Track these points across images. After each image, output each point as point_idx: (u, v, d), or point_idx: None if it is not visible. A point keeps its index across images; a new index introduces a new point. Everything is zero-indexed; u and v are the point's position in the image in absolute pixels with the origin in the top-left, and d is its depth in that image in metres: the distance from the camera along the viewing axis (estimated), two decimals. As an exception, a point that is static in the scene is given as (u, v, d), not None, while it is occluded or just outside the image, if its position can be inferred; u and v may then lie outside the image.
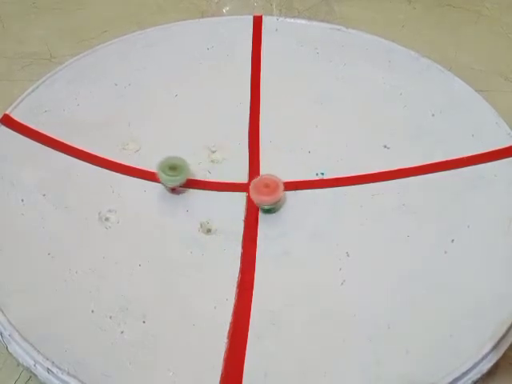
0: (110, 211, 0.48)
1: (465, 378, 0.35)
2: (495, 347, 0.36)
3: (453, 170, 0.50)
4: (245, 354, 0.38)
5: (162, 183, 0.49)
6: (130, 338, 0.39)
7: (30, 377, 0.43)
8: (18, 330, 0.37)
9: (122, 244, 0.46)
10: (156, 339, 0.39)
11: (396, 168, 0.51)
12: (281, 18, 0.64)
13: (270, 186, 0.48)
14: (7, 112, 0.52)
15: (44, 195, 0.47)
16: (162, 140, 0.54)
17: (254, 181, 0.49)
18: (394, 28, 0.82)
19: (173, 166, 0.48)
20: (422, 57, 0.59)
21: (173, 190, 0.50)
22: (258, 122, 0.57)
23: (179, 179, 0.48)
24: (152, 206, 0.49)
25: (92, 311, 0.40)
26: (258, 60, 0.61)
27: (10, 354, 0.37)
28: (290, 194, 0.50)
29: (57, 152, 0.51)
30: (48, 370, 0.35)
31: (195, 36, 0.63)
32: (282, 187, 0.48)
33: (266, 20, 0.63)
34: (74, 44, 0.77)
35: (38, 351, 0.36)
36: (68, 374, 0.35)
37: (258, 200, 0.48)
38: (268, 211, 0.49)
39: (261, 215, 0.49)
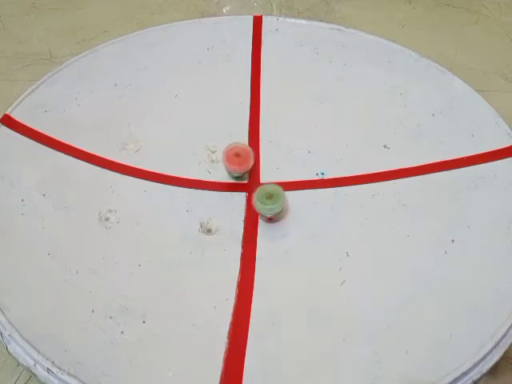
0: (110, 211, 0.48)
1: (465, 378, 0.35)
2: (495, 347, 0.36)
3: (453, 170, 0.50)
4: (245, 354, 0.38)
5: (259, 213, 0.47)
6: (129, 338, 0.39)
7: (30, 377, 0.44)
8: (18, 330, 0.37)
9: (121, 244, 0.46)
10: (156, 339, 0.39)
11: (396, 168, 0.51)
12: (281, 18, 0.64)
13: (241, 155, 0.49)
14: (7, 112, 0.52)
15: (44, 195, 0.47)
16: (161, 140, 0.54)
17: (225, 150, 0.50)
18: (394, 28, 0.82)
19: (269, 194, 0.46)
20: (422, 57, 0.59)
21: (269, 220, 0.48)
22: (258, 122, 0.57)
23: (275, 207, 0.46)
24: (152, 205, 0.49)
25: (92, 311, 0.40)
26: (257, 60, 0.61)
27: (10, 354, 0.37)
28: (290, 194, 0.51)
29: (57, 152, 0.51)
30: (48, 370, 0.35)
31: (195, 36, 0.63)
32: (252, 156, 0.50)
33: (265, 20, 0.63)
34: (73, 44, 0.77)
35: (38, 351, 0.36)
36: (68, 373, 0.35)
37: (230, 169, 0.49)
38: (238, 178, 0.51)
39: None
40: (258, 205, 0.46)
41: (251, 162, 0.50)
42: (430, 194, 0.49)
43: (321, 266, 0.45)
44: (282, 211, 0.47)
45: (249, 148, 0.50)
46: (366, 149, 0.54)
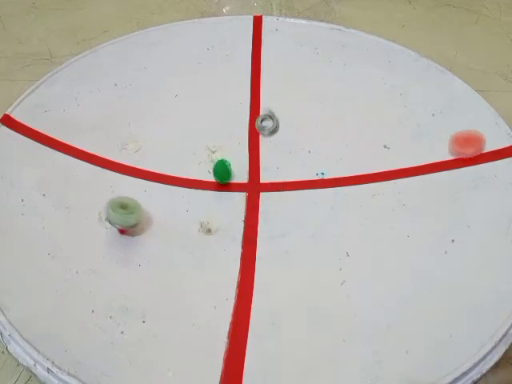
0: (110, 211, 0.48)
1: (465, 378, 0.35)
2: (495, 347, 0.36)
3: (453, 170, 0.50)
4: (245, 354, 0.38)
5: (111, 224, 0.44)
6: (129, 338, 0.39)
7: (30, 377, 0.44)
8: (18, 330, 0.37)
9: (122, 244, 0.46)
10: (156, 339, 0.39)
11: (396, 168, 0.51)
12: (281, 18, 0.64)
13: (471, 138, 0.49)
14: (7, 112, 0.52)
15: (44, 195, 0.47)
16: (161, 140, 0.54)
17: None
18: (394, 28, 0.82)
19: (124, 205, 0.44)
20: (421, 57, 0.59)
21: (122, 232, 0.45)
22: (258, 122, 0.57)
23: (131, 219, 0.44)
24: (152, 205, 0.49)
25: (92, 311, 0.40)
26: (258, 60, 0.61)
27: (10, 354, 0.37)
28: (290, 194, 0.51)
29: (57, 152, 0.51)
30: (48, 370, 0.35)
31: (195, 36, 0.63)
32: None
33: (265, 20, 0.63)
34: (73, 44, 0.77)
35: (38, 351, 0.36)
36: (68, 373, 0.35)
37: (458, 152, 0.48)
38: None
39: (261, 215, 0.49)
40: (111, 215, 0.43)
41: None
42: (430, 194, 0.49)
43: (321, 265, 0.45)
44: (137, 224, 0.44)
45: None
46: (366, 149, 0.54)
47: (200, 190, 0.51)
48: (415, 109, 0.56)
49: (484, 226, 0.45)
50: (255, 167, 0.53)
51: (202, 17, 0.82)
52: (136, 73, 0.59)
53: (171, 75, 0.60)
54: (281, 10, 0.85)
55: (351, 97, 0.58)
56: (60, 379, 0.35)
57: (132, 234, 0.45)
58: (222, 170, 0.50)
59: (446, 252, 0.44)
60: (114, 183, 0.50)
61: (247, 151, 0.55)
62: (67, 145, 0.52)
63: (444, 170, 0.50)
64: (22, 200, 0.46)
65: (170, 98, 0.58)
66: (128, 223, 0.44)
